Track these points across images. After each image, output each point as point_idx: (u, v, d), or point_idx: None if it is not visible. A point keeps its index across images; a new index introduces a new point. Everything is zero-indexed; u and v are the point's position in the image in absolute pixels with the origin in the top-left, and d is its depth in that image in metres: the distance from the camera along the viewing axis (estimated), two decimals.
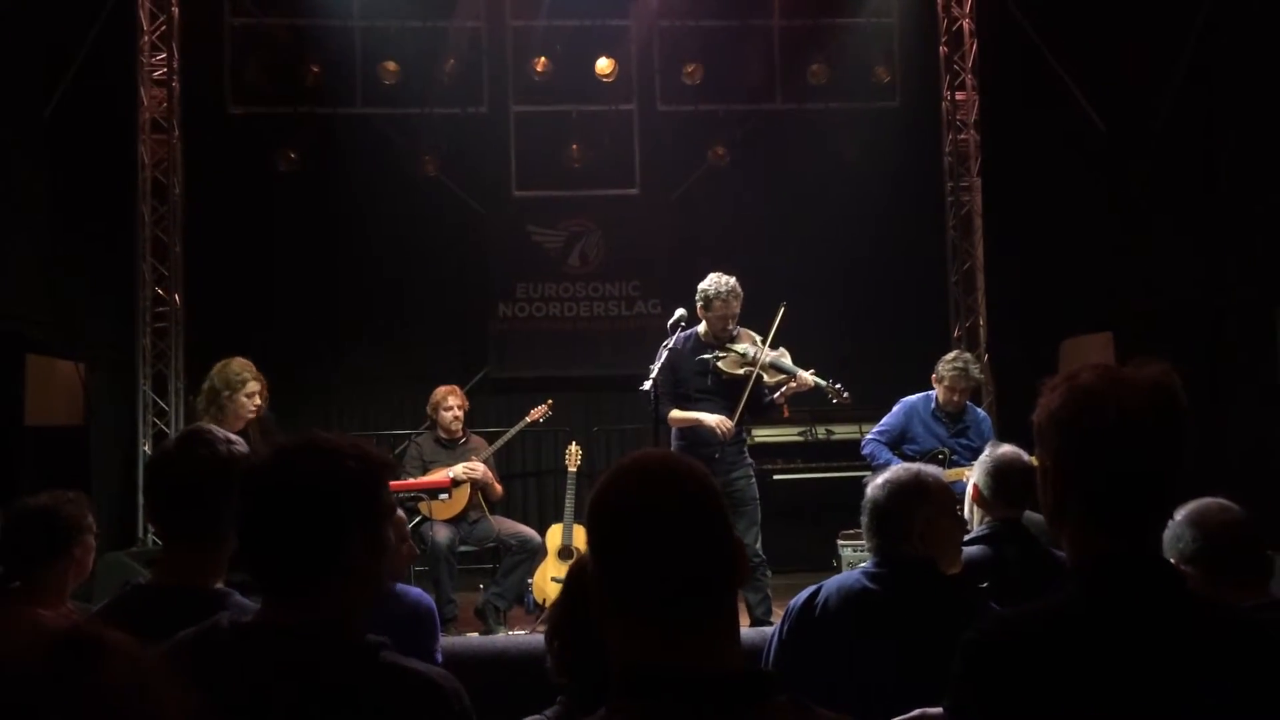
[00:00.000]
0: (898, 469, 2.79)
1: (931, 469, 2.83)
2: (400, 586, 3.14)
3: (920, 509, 2.65)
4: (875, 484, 2.74)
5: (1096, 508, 1.55)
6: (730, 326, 5.58)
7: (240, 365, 5.39)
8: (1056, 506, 1.60)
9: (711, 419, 5.42)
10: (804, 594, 2.72)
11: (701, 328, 5.65)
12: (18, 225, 7.04)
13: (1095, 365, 1.60)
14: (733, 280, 5.57)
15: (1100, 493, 1.54)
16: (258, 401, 5.42)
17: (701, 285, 5.61)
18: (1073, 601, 1.54)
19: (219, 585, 2.16)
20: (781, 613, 5.91)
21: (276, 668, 1.58)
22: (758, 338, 5.65)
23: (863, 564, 2.77)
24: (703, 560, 1.32)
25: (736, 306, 5.56)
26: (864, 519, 2.74)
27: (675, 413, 5.52)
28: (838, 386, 5.51)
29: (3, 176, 6.92)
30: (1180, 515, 2.43)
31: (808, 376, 5.45)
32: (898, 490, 2.68)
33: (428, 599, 3.21)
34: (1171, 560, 2.39)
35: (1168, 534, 2.41)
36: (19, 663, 0.92)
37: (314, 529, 1.63)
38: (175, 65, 8.06)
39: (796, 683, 2.53)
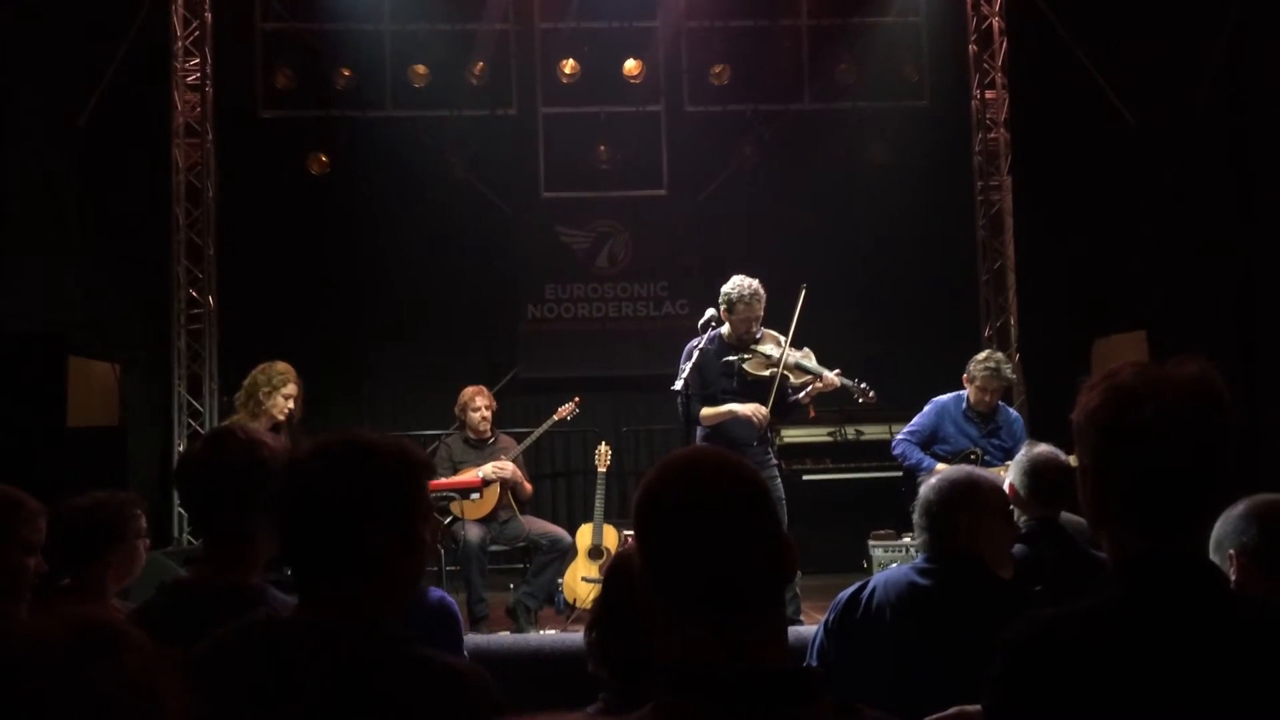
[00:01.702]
0: (953, 469, 2.80)
1: (986, 471, 2.83)
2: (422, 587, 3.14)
3: (968, 506, 2.65)
4: (929, 483, 2.75)
5: (1135, 507, 1.53)
6: (753, 329, 5.57)
7: (284, 367, 5.64)
8: (1096, 506, 1.59)
9: (746, 408, 5.42)
10: (852, 587, 2.73)
11: (725, 329, 5.65)
12: (55, 229, 7.14)
13: (1135, 363, 1.58)
14: (755, 283, 5.55)
15: (1138, 492, 1.53)
16: (292, 405, 5.58)
17: (724, 288, 5.60)
18: (1112, 602, 1.53)
19: (255, 581, 2.19)
20: (810, 610, 5.92)
21: (309, 662, 1.60)
22: (782, 338, 5.64)
23: (912, 560, 2.77)
24: (752, 558, 1.32)
25: (759, 309, 5.55)
26: (915, 516, 2.74)
27: (707, 410, 5.53)
28: (863, 386, 5.49)
29: (40, 181, 7.02)
30: (1241, 508, 2.39)
31: (833, 376, 5.44)
32: (948, 487, 2.68)
33: (450, 600, 3.21)
34: (1231, 553, 2.36)
35: (1228, 526, 2.38)
36: (38, 648, 0.98)
37: (347, 527, 1.65)
38: (208, 70, 8.16)
39: (841, 674, 2.54)
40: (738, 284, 5.56)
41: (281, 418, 5.61)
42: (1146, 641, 1.47)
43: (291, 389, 5.59)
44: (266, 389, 5.55)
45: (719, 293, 5.67)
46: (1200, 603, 1.51)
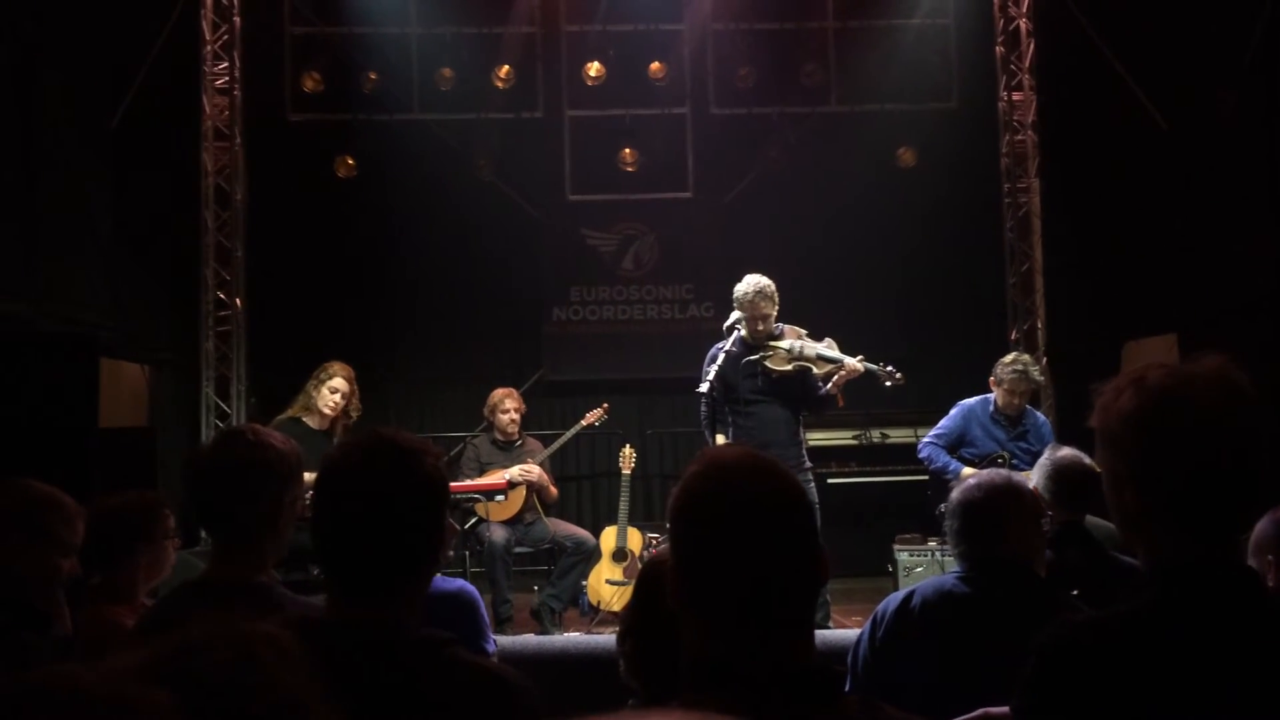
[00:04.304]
0: (987, 473, 2.73)
1: (1018, 474, 2.78)
2: (439, 578, 3.13)
3: (1015, 512, 2.60)
4: (966, 487, 2.68)
5: (1179, 510, 1.50)
6: (761, 327, 5.54)
7: (337, 366, 5.76)
8: (1136, 512, 1.55)
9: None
10: (896, 598, 2.66)
11: (745, 330, 5.63)
12: (86, 231, 7.22)
13: (1159, 364, 1.56)
14: (761, 281, 5.51)
15: (1184, 494, 1.49)
16: (338, 400, 5.64)
17: (735, 289, 5.59)
18: (1150, 608, 1.50)
19: (263, 579, 2.21)
20: (837, 615, 5.87)
21: (351, 664, 1.60)
22: (803, 332, 5.62)
23: (952, 569, 2.70)
24: (787, 562, 1.32)
25: (765, 307, 5.50)
26: (953, 522, 2.66)
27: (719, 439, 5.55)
28: (889, 369, 5.41)
29: (72, 184, 7.10)
30: None
31: (855, 363, 5.38)
32: (994, 494, 2.62)
33: (470, 589, 3.20)
34: (1270, 558, 2.33)
35: (1267, 530, 2.34)
36: (215, 656, 1.06)
37: (401, 530, 1.66)
38: (237, 74, 8.21)
39: (890, 688, 2.50)
40: (743, 284, 5.56)
41: (328, 411, 5.67)
42: (1185, 648, 1.45)
43: (338, 383, 5.67)
44: (314, 383, 5.65)
45: None
46: (1241, 610, 1.48)
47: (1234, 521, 1.54)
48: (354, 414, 5.76)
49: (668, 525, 1.41)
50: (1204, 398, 1.49)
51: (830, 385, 5.44)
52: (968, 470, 5.54)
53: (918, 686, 2.45)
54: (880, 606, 2.69)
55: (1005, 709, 2.08)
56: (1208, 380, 1.50)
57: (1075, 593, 2.85)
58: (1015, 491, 2.64)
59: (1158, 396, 1.51)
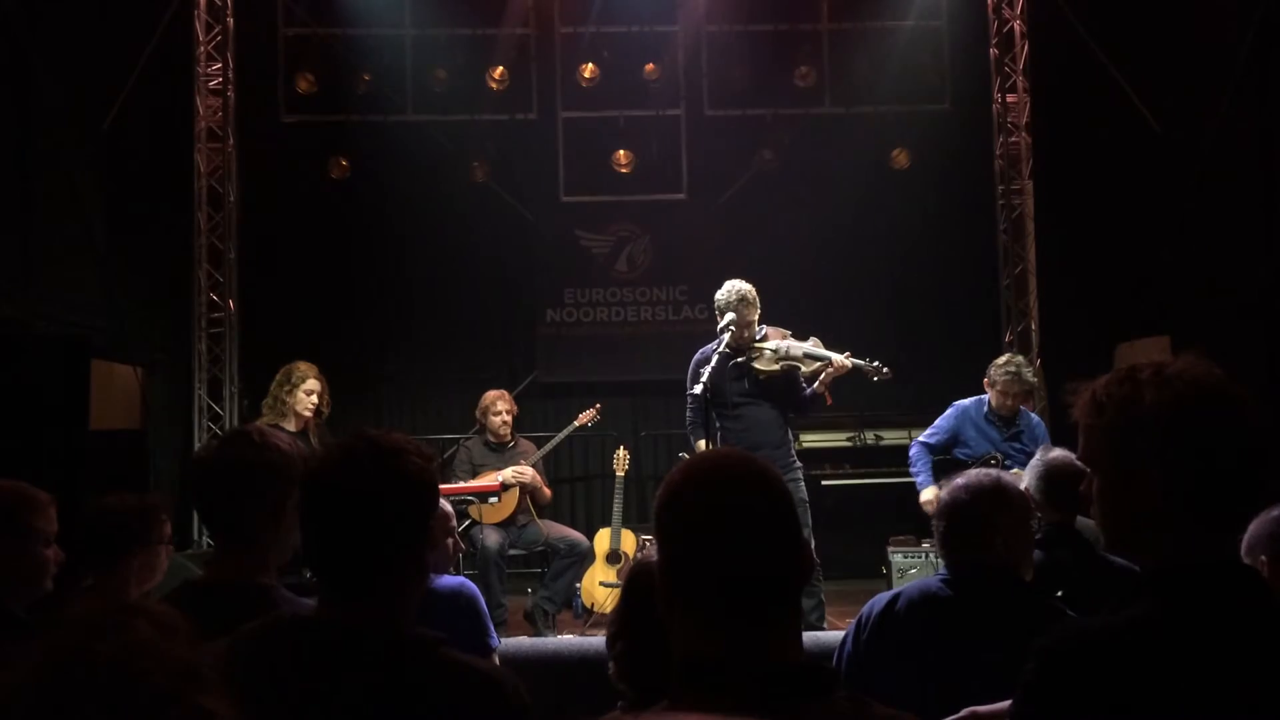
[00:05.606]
0: (975, 474, 2.70)
1: (1008, 475, 2.77)
2: (440, 577, 3.13)
3: (1000, 516, 2.59)
4: (953, 488, 2.66)
5: (1206, 505, 1.47)
6: (747, 333, 5.54)
7: (305, 366, 5.79)
8: (1149, 509, 1.49)
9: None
10: (881, 600, 2.65)
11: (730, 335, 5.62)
12: (79, 233, 7.20)
13: (1160, 361, 1.52)
14: (742, 287, 5.50)
15: (1214, 488, 1.46)
16: (314, 401, 5.68)
17: (716, 296, 5.57)
18: (1160, 608, 1.47)
19: (264, 581, 2.20)
20: (831, 617, 5.88)
21: (337, 662, 1.61)
22: (787, 332, 5.61)
23: (939, 571, 2.69)
24: (772, 559, 1.33)
25: (748, 313, 5.49)
26: (940, 524, 2.64)
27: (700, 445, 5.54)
28: (876, 364, 5.38)
29: (65, 185, 7.08)
30: (1277, 512, 2.36)
31: (843, 359, 5.35)
32: (978, 496, 2.60)
33: (470, 586, 3.20)
34: (1263, 559, 2.33)
35: (1261, 529, 2.34)
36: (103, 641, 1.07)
37: (385, 529, 1.66)
38: (230, 75, 8.19)
39: (873, 689, 2.50)
40: (724, 290, 5.53)
41: (307, 414, 5.70)
42: (1192, 651, 1.43)
43: (313, 384, 5.70)
44: (287, 387, 5.68)
45: None
46: (1251, 610, 1.46)
47: (1245, 517, 1.53)
48: (324, 410, 5.79)
49: (653, 527, 1.41)
50: (1228, 390, 1.47)
51: (818, 383, 5.43)
52: (927, 493, 5.57)
53: (900, 688, 2.45)
54: (866, 607, 2.68)
55: (992, 708, 2.09)
56: (1215, 374, 1.48)
57: (1061, 594, 2.85)
58: (1001, 494, 2.62)
59: (1196, 388, 1.46)
